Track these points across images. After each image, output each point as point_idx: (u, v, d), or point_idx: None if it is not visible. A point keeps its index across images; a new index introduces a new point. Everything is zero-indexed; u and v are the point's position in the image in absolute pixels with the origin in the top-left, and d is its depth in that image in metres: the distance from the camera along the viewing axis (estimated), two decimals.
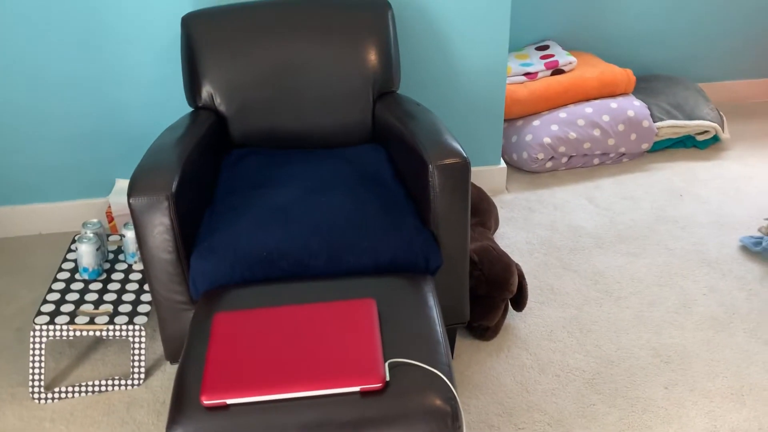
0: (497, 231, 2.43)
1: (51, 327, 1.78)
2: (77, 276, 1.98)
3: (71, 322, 1.79)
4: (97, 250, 1.95)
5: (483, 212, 2.22)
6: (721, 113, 3.07)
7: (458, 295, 1.76)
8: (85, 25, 2.22)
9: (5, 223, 2.50)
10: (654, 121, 2.85)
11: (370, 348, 1.30)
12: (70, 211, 2.52)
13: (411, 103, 1.98)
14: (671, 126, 2.88)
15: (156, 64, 2.31)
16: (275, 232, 1.63)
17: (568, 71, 2.88)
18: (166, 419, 1.73)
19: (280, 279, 1.58)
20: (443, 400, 1.25)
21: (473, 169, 2.65)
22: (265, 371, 1.25)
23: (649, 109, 2.88)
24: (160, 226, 1.53)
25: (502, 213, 2.55)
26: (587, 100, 2.87)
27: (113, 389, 1.83)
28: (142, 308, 1.86)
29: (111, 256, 2.07)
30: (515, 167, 2.84)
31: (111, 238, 2.16)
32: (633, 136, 2.81)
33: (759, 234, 2.37)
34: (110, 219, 2.40)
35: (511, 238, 2.41)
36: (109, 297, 1.89)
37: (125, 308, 1.85)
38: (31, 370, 1.79)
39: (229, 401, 1.22)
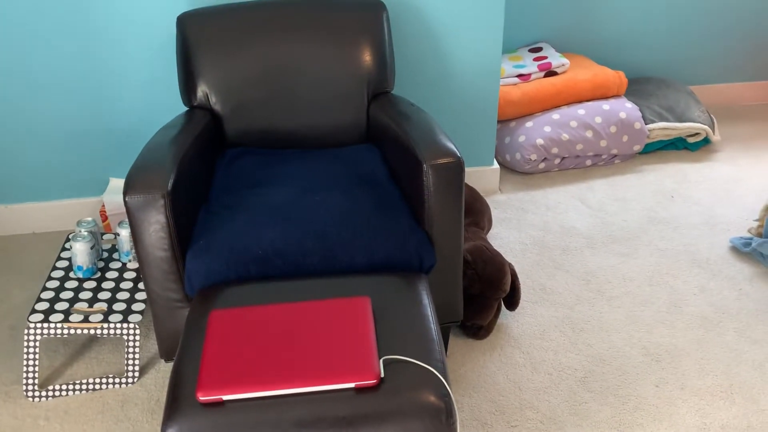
0: (490, 231, 2.45)
1: (45, 325, 1.78)
2: (71, 274, 1.98)
3: (66, 320, 1.80)
4: (92, 248, 1.95)
5: (476, 212, 2.23)
6: (712, 115, 3.10)
7: (452, 294, 1.77)
8: (80, 24, 2.23)
9: None
10: (646, 123, 2.88)
11: (364, 345, 1.31)
12: (63, 210, 2.52)
13: (405, 104, 1.99)
14: (663, 128, 2.90)
15: (150, 64, 2.31)
16: (270, 230, 1.64)
17: (561, 73, 2.91)
18: (160, 417, 1.73)
19: (275, 277, 1.59)
20: (437, 397, 1.26)
21: (466, 169, 2.66)
22: (260, 368, 1.26)
23: (641, 111, 2.91)
24: (156, 224, 1.53)
25: (495, 213, 2.57)
26: (580, 101, 2.89)
27: (108, 387, 1.83)
28: (137, 306, 1.86)
29: (105, 254, 2.08)
30: (508, 168, 2.86)
31: (105, 236, 2.16)
32: (625, 138, 2.83)
33: (749, 235, 2.39)
34: (104, 218, 2.40)
35: (504, 238, 2.43)
36: (104, 295, 1.90)
37: (119, 306, 1.86)
38: (25, 368, 1.79)
39: (225, 397, 1.23)
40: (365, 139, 2.11)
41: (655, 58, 3.32)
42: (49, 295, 1.89)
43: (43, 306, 1.84)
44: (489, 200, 2.65)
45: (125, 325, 1.81)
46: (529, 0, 3.09)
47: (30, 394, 1.80)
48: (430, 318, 1.44)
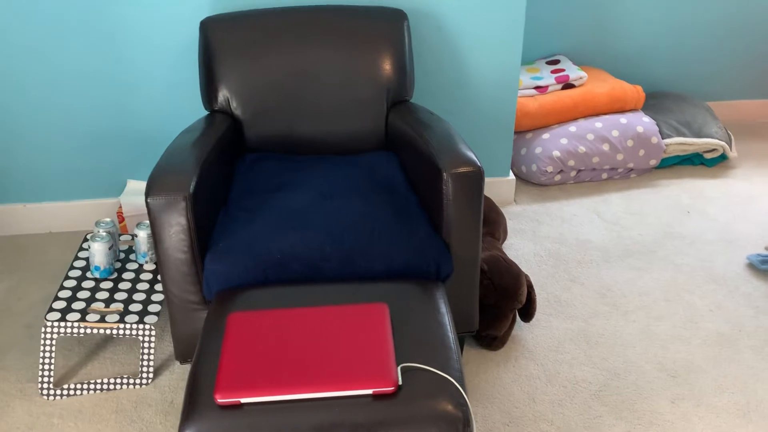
0: (505, 242, 2.44)
1: (62, 324, 1.79)
2: (89, 274, 1.99)
3: (82, 319, 1.81)
4: (110, 249, 1.96)
5: (492, 222, 2.23)
6: (729, 132, 3.09)
7: (468, 303, 1.77)
8: (103, 26, 2.25)
9: (17, 220, 2.52)
10: (662, 138, 2.87)
11: (382, 351, 1.31)
12: (80, 211, 2.54)
13: (425, 112, 2.00)
14: (679, 143, 2.89)
15: (172, 68, 2.33)
16: (289, 235, 1.64)
17: (579, 86, 2.91)
18: (174, 419, 1.74)
19: (293, 281, 1.59)
20: (455, 406, 1.26)
21: None
22: (279, 371, 1.26)
23: (658, 125, 2.90)
24: (177, 225, 1.54)
25: (510, 224, 2.57)
26: (597, 115, 2.89)
27: (122, 387, 1.84)
28: (153, 308, 1.87)
29: (122, 255, 2.09)
30: (524, 179, 2.86)
31: (122, 237, 2.17)
32: (641, 152, 2.83)
33: (766, 252, 2.38)
34: (121, 219, 2.42)
35: (519, 249, 2.42)
36: (120, 296, 1.91)
37: (136, 307, 1.87)
38: (41, 367, 1.80)
39: (243, 400, 1.23)
40: (384, 146, 2.12)
41: (673, 74, 3.32)
42: (67, 294, 1.90)
43: (60, 305, 1.85)
44: (504, 211, 2.65)
45: (141, 326, 1.81)
46: (548, 13, 3.10)
47: (45, 392, 1.80)
48: (448, 326, 1.44)
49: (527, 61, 3.17)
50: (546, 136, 2.79)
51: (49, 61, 2.29)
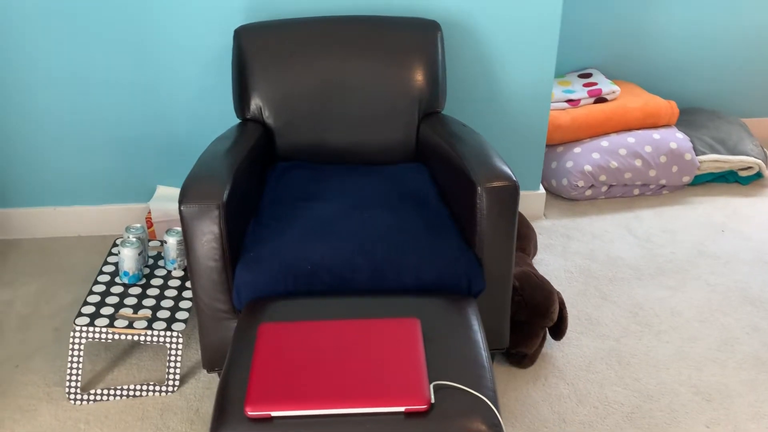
0: (535, 257, 2.41)
1: (90, 329, 1.79)
2: (117, 279, 1.99)
3: (110, 325, 1.81)
4: (139, 254, 1.96)
5: (522, 237, 2.20)
6: (765, 150, 3.03)
7: (499, 320, 1.74)
8: (137, 33, 2.27)
9: (47, 223, 2.54)
10: (696, 155, 2.82)
11: (414, 368, 1.29)
12: (110, 215, 2.55)
13: (457, 124, 1.98)
14: (714, 160, 2.84)
15: (204, 75, 2.34)
16: (320, 245, 1.63)
17: (611, 100, 2.87)
18: (199, 427, 1.73)
19: (322, 292, 1.58)
20: (488, 426, 1.23)
21: None
22: (310, 385, 1.24)
23: (692, 142, 2.85)
24: (209, 234, 1.54)
25: (540, 239, 2.53)
26: (629, 129, 2.85)
27: (147, 394, 1.83)
28: (180, 315, 1.87)
29: (150, 261, 2.09)
30: (554, 194, 2.82)
31: (151, 243, 2.18)
32: (675, 169, 2.78)
33: None
34: (149, 225, 2.42)
35: (549, 265, 2.38)
36: (148, 302, 1.90)
37: (163, 314, 1.86)
38: (68, 371, 1.80)
39: (274, 413, 1.21)
40: (414, 157, 2.10)
41: (708, 89, 3.26)
42: (95, 299, 1.90)
43: (89, 310, 1.85)
44: (534, 225, 2.62)
45: (168, 333, 1.81)
46: (580, 26, 3.07)
47: (72, 396, 1.81)
48: (481, 344, 1.41)
49: (558, 74, 3.14)
50: (577, 150, 2.75)
51: (83, 67, 2.31)
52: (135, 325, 1.81)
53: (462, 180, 1.70)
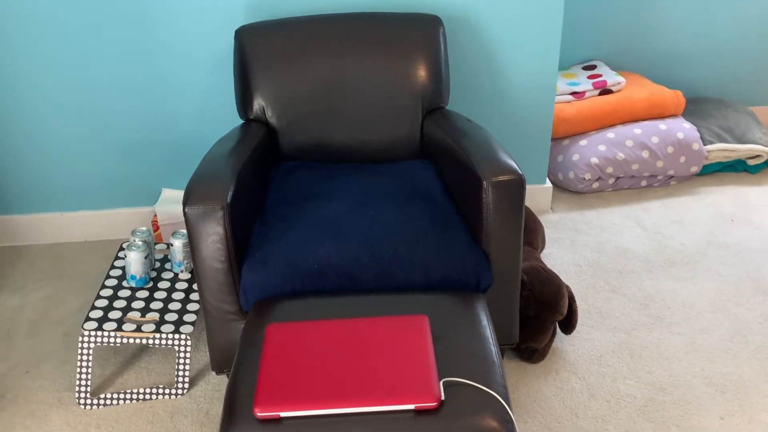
0: (543, 251, 2.39)
1: (99, 333, 1.79)
2: (125, 283, 1.99)
3: (119, 329, 1.80)
4: (146, 258, 1.96)
5: (530, 231, 2.18)
6: None
7: (508, 315, 1.73)
8: (138, 35, 2.26)
9: (53, 229, 2.54)
10: (704, 144, 2.79)
11: (424, 366, 1.27)
12: (115, 219, 2.55)
13: (462, 119, 1.97)
14: (722, 149, 2.81)
15: (207, 76, 2.34)
16: (326, 244, 1.62)
17: (617, 91, 2.85)
18: (209, 430, 1.72)
19: (330, 292, 1.57)
20: (500, 423, 1.21)
21: None
22: (318, 385, 1.24)
23: (699, 131, 2.82)
24: (215, 235, 1.53)
25: (547, 233, 2.51)
26: (635, 121, 2.82)
27: (157, 398, 1.83)
28: (188, 317, 1.86)
29: (157, 264, 2.09)
30: (561, 187, 2.80)
31: (157, 246, 2.17)
32: (682, 159, 2.75)
33: None
34: (156, 228, 2.42)
35: (557, 259, 2.37)
36: (156, 305, 1.90)
37: (171, 317, 1.86)
38: (78, 376, 1.80)
39: (283, 414, 1.20)
40: (419, 154, 2.09)
41: (714, 78, 3.23)
42: (103, 303, 1.90)
43: (97, 314, 1.85)
44: (541, 219, 2.60)
45: (177, 336, 1.80)
46: (583, 17, 3.04)
47: (82, 401, 1.80)
48: (490, 340, 1.40)
49: (563, 66, 3.11)
50: (584, 142, 2.73)
51: (85, 71, 2.31)
52: (143, 328, 1.81)
53: (467, 175, 1.68)
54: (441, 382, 1.26)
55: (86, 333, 1.79)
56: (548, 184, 2.64)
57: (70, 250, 2.51)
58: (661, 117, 2.85)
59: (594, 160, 2.67)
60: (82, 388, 1.80)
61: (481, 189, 1.60)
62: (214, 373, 1.87)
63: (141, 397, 1.83)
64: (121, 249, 2.15)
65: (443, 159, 1.92)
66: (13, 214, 2.52)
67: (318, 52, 2.04)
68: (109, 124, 2.40)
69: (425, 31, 2.08)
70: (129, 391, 1.83)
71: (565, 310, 1.87)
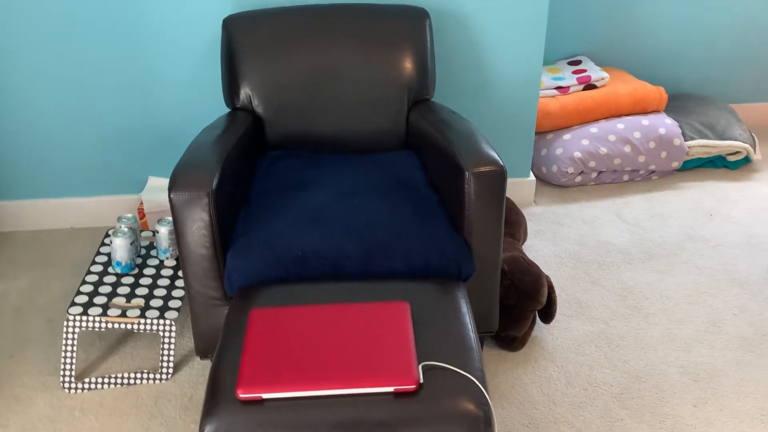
0: (525, 243, 2.43)
1: (84, 318, 1.81)
2: (110, 269, 2.01)
3: (104, 313, 1.82)
4: (131, 244, 1.98)
5: (512, 223, 2.22)
6: (753, 134, 3.05)
7: (488, 303, 1.76)
8: (125, 24, 2.27)
9: (39, 215, 2.55)
10: (685, 140, 2.84)
11: (404, 350, 1.30)
12: (101, 207, 2.56)
13: (446, 111, 1.99)
14: (702, 145, 2.86)
15: (193, 66, 2.35)
16: (310, 232, 1.65)
17: (600, 87, 2.88)
18: (193, 413, 1.74)
19: (314, 279, 1.59)
20: (476, 405, 1.25)
21: None
22: (300, 368, 1.26)
23: (681, 127, 2.87)
24: (199, 221, 1.55)
25: (530, 225, 2.55)
26: (619, 116, 2.87)
27: (142, 382, 1.85)
28: (173, 303, 1.88)
29: (143, 251, 2.10)
30: (544, 180, 2.84)
31: (143, 234, 2.19)
32: (664, 154, 2.80)
33: None
34: (142, 216, 2.43)
35: (539, 250, 2.41)
36: (141, 291, 1.92)
37: (156, 303, 1.88)
38: (62, 360, 1.81)
39: (265, 396, 1.23)
40: (404, 145, 2.12)
41: (696, 76, 3.28)
42: (88, 288, 1.91)
43: (82, 299, 1.87)
44: (524, 212, 2.64)
45: (162, 321, 1.82)
46: (569, 13, 3.08)
47: (66, 385, 1.82)
48: (469, 326, 1.43)
49: (548, 61, 3.15)
50: (567, 137, 2.77)
51: (72, 59, 2.31)
52: (128, 313, 1.83)
53: (450, 165, 1.71)
54: (420, 366, 1.29)
55: (71, 317, 1.80)
56: (532, 177, 2.68)
57: (55, 236, 2.52)
58: (644, 112, 2.89)
59: (577, 154, 2.71)
60: (67, 372, 1.82)
61: (463, 179, 1.63)
62: (198, 358, 1.90)
63: (125, 381, 1.84)
64: (107, 236, 2.17)
65: (427, 150, 1.95)
66: None
67: (305, 43, 2.05)
68: (96, 112, 2.40)
69: (412, 24, 2.10)
70: (113, 375, 1.85)
71: (544, 300, 1.90)
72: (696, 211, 2.65)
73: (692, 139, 2.86)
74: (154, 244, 2.13)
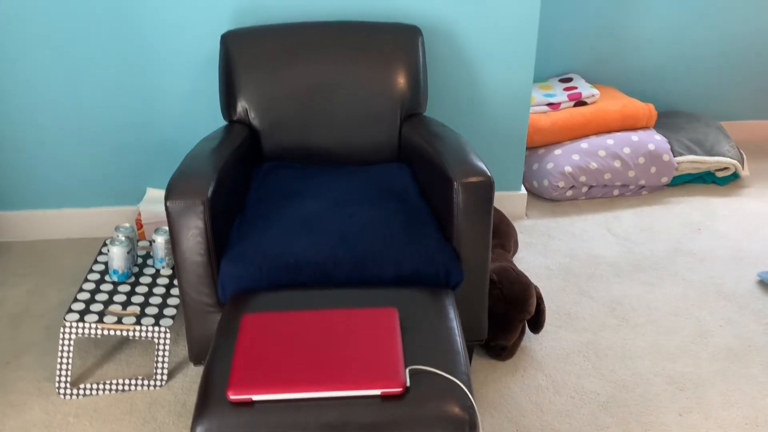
0: (516, 255, 2.47)
1: (81, 325, 1.84)
2: (107, 278, 2.04)
3: (100, 321, 1.85)
4: (128, 253, 2.01)
5: (503, 234, 2.26)
6: (741, 151, 3.10)
7: (477, 312, 1.80)
8: (125, 37, 2.32)
9: (37, 226, 2.58)
10: (674, 156, 2.89)
11: (391, 354, 1.34)
12: (100, 218, 2.60)
13: (437, 125, 2.04)
14: (691, 161, 2.91)
15: (191, 79, 2.40)
16: (302, 240, 1.68)
17: (591, 103, 2.94)
18: (187, 420, 1.77)
19: (305, 285, 1.63)
20: (462, 408, 1.28)
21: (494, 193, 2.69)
22: (290, 371, 1.29)
23: (670, 143, 2.92)
24: (195, 229, 1.59)
25: (521, 238, 2.59)
26: (608, 132, 2.92)
27: (136, 389, 1.87)
28: (168, 311, 1.91)
29: (140, 260, 2.14)
30: (535, 194, 2.89)
31: (140, 243, 2.23)
32: (653, 170, 2.85)
33: None
34: (139, 226, 2.47)
35: (529, 262, 2.44)
36: (137, 299, 1.95)
37: (152, 310, 1.91)
38: (58, 366, 1.84)
39: (255, 397, 1.26)
40: (397, 157, 2.16)
41: (686, 93, 3.35)
42: (85, 296, 1.94)
43: (79, 306, 1.90)
44: (515, 225, 2.68)
45: (157, 328, 1.85)
46: (561, 32, 3.15)
47: (62, 391, 1.85)
48: (456, 332, 1.47)
49: (540, 78, 3.21)
50: (558, 152, 2.82)
51: (72, 72, 2.36)
52: (124, 321, 1.86)
53: (440, 176, 1.76)
54: (407, 370, 1.32)
55: (68, 324, 1.83)
56: (523, 191, 2.72)
57: (53, 247, 2.56)
58: (634, 129, 2.95)
59: (568, 168, 2.75)
60: (62, 379, 1.84)
61: (451, 189, 1.67)
62: (192, 365, 1.93)
63: (120, 387, 1.87)
64: (105, 245, 2.20)
65: (419, 162, 2.00)
66: None
67: (301, 58, 2.11)
68: (95, 124, 2.45)
69: (405, 40, 2.16)
70: (108, 381, 1.87)
71: (533, 309, 1.94)
72: (685, 225, 2.69)
73: (681, 155, 2.91)
74: (151, 254, 2.16)
